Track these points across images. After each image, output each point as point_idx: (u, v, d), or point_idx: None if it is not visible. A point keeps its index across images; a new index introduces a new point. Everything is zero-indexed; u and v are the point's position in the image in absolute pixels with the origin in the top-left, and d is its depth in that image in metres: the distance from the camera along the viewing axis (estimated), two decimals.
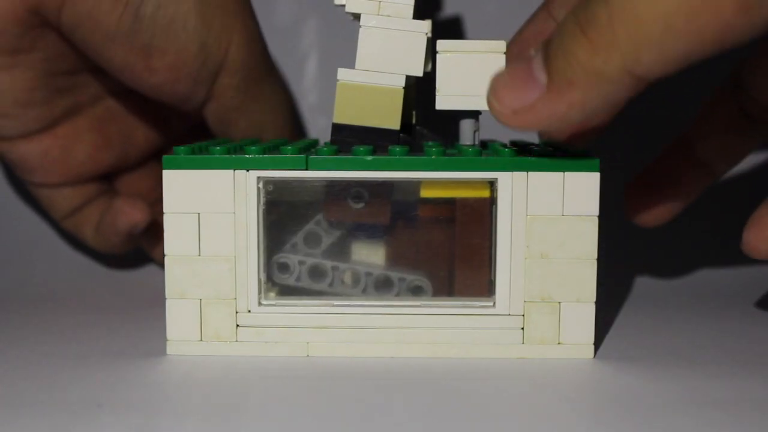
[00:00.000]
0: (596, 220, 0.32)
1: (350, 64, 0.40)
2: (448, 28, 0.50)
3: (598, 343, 0.34)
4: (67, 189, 0.43)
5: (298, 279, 0.33)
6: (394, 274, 0.33)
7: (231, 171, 0.32)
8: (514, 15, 0.50)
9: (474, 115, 0.34)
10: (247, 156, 0.32)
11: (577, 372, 0.31)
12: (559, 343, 0.32)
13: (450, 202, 0.33)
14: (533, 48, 0.29)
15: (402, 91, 0.34)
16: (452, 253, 0.33)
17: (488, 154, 0.33)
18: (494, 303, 0.32)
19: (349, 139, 0.34)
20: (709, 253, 0.47)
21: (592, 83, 0.27)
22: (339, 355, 0.33)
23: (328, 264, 0.33)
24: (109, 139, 0.43)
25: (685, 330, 0.37)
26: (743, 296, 0.43)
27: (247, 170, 0.32)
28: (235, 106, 0.41)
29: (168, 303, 0.33)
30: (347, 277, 0.33)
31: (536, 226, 0.32)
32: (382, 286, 0.33)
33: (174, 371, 0.31)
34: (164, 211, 0.32)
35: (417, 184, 0.33)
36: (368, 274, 0.33)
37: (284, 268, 0.33)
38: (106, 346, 0.34)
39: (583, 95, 0.27)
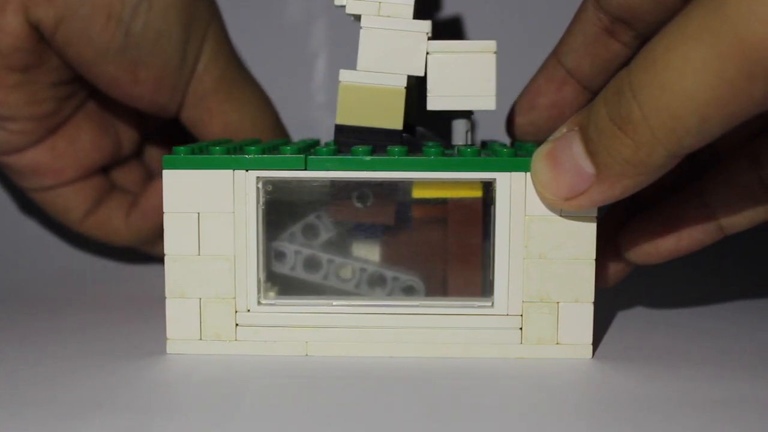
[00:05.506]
0: (594, 221, 0.32)
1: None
2: (448, 28, 0.50)
3: (596, 343, 0.34)
4: (79, 184, 0.43)
5: (293, 268, 0.33)
6: (389, 273, 0.33)
7: (230, 171, 0.32)
8: (514, 15, 0.50)
9: (466, 115, 0.34)
10: (247, 156, 0.32)
11: (575, 372, 0.31)
12: (557, 343, 0.32)
13: (444, 202, 0.33)
14: (564, 126, 0.30)
15: (404, 92, 0.34)
16: (446, 254, 0.33)
17: (487, 154, 0.33)
18: (492, 303, 0.32)
19: (352, 140, 0.34)
20: (708, 253, 0.47)
21: (641, 172, 0.28)
22: (338, 355, 0.33)
23: (323, 256, 0.34)
24: (105, 127, 0.44)
25: (683, 330, 0.37)
26: (743, 296, 0.43)
27: (247, 170, 0.32)
28: (207, 109, 0.42)
29: (168, 302, 0.33)
30: (342, 272, 0.33)
31: (534, 227, 0.32)
32: (376, 283, 0.33)
33: (174, 370, 0.31)
34: (164, 210, 0.32)
35: (411, 184, 0.33)
36: (363, 270, 0.33)
37: (281, 255, 0.33)
38: (106, 346, 0.34)
39: (634, 181, 0.28)
